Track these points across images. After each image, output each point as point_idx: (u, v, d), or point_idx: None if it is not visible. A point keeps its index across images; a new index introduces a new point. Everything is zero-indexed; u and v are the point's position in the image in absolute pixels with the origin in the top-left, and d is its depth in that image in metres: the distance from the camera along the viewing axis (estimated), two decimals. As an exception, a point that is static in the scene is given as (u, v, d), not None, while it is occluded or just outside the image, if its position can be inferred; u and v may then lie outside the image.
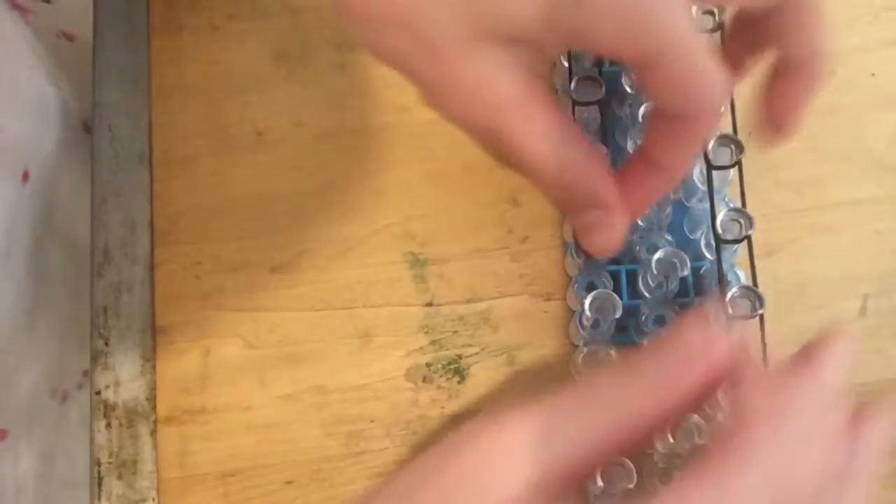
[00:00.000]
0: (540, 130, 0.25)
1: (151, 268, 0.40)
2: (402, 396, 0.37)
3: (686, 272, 0.34)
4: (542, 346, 0.38)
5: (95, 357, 0.39)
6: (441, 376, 0.38)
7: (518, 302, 0.38)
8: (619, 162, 0.38)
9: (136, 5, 0.44)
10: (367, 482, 0.37)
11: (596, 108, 0.35)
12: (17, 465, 0.43)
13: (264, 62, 0.43)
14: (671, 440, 0.29)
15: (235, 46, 0.43)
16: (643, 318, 0.35)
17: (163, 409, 0.38)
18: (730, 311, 0.33)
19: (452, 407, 0.37)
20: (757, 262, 0.37)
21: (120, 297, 0.40)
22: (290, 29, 0.43)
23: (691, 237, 0.37)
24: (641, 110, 0.35)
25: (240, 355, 0.39)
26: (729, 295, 0.33)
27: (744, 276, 0.35)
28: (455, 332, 0.38)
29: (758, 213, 0.38)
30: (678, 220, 0.37)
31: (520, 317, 0.38)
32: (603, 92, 0.35)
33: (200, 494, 0.37)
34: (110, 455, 0.38)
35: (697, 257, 0.35)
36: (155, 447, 0.38)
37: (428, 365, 0.38)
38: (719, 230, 0.33)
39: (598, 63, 0.36)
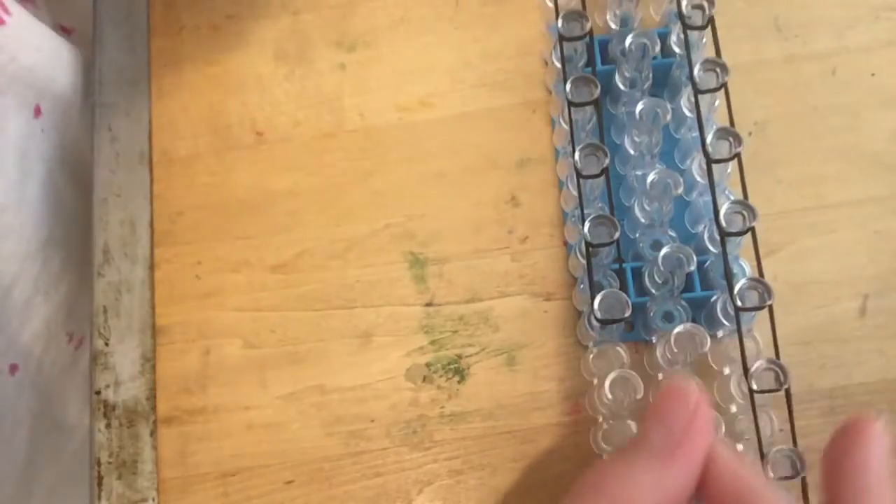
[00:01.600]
0: None
1: (151, 268, 0.40)
2: (402, 396, 0.38)
3: (692, 267, 0.34)
4: (542, 346, 0.38)
5: (95, 357, 0.39)
6: (441, 376, 0.38)
7: (518, 302, 0.38)
8: (617, 160, 0.38)
9: (136, 5, 0.44)
10: (367, 482, 0.37)
11: (591, 108, 0.35)
12: (19, 401, 0.44)
13: (264, 62, 0.43)
14: None
15: (235, 46, 0.43)
16: (651, 314, 0.35)
17: (163, 409, 0.38)
18: (738, 303, 0.33)
19: (452, 407, 0.37)
20: (761, 263, 0.37)
21: (120, 297, 0.40)
22: (290, 29, 0.43)
23: (693, 231, 0.37)
24: (639, 108, 0.35)
25: (240, 355, 0.39)
26: (737, 288, 0.33)
27: (749, 269, 0.35)
28: (455, 332, 0.38)
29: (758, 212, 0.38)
30: (679, 215, 0.37)
31: (520, 317, 0.38)
32: (598, 92, 0.35)
33: (200, 494, 0.37)
34: (110, 455, 0.38)
35: (701, 251, 0.35)
36: (155, 447, 0.38)
37: (428, 365, 0.38)
38: (723, 223, 0.33)
39: (590, 63, 0.36)
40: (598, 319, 0.33)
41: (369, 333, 0.38)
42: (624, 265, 0.35)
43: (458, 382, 0.38)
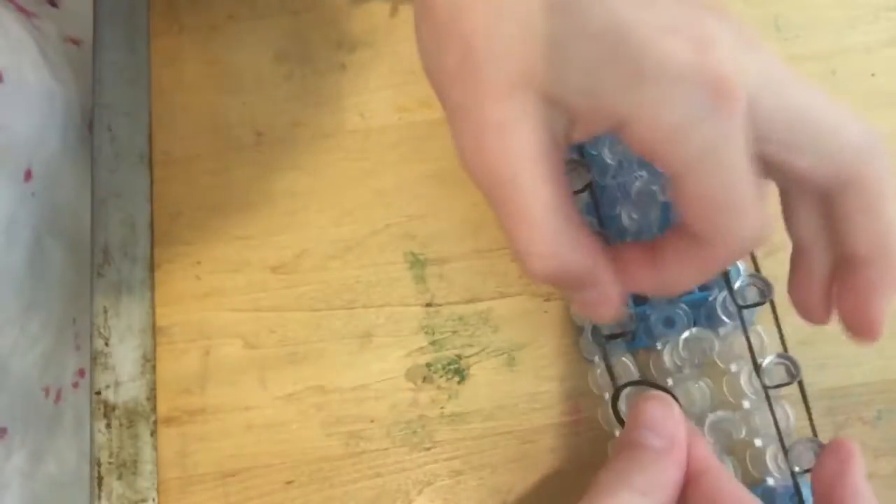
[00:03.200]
0: (545, 197, 0.24)
1: (151, 268, 0.40)
2: (402, 396, 0.37)
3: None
4: (542, 346, 0.38)
5: (95, 357, 0.39)
6: (441, 376, 0.38)
7: (518, 302, 0.38)
8: (596, 171, 0.37)
9: (136, 5, 0.44)
10: (367, 482, 0.37)
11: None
12: (6, 464, 0.43)
13: (264, 62, 0.43)
14: None
15: (235, 46, 0.43)
16: (651, 321, 0.35)
17: (163, 409, 0.38)
18: (740, 301, 0.33)
19: (452, 407, 0.37)
20: (757, 261, 0.37)
21: (120, 297, 0.40)
22: (290, 29, 0.43)
23: None
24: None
25: (240, 355, 0.39)
26: (737, 285, 0.32)
27: (744, 266, 0.35)
28: (455, 332, 0.38)
29: (758, 213, 0.38)
30: (665, 219, 0.37)
31: (520, 317, 0.38)
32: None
33: (200, 494, 0.37)
34: (110, 455, 0.38)
35: None
36: (155, 447, 0.38)
37: (428, 365, 0.38)
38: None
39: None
40: (605, 336, 0.33)
41: (369, 334, 0.38)
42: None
43: (458, 383, 0.38)
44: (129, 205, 0.41)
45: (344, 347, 0.38)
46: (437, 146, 0.41)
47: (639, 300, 0.35)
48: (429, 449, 0.37)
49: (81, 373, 0.48)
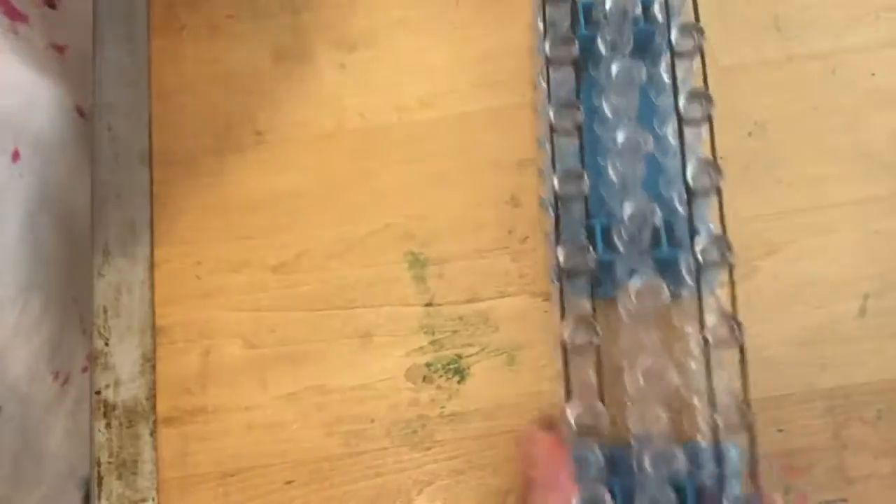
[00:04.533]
0: None
1: (151, 268, 0.40)
2: (402, 396, 0.38)
3: (657, 223, 0.34)
4: (542, 346, 0.38)
5: (95, 357, 0.39)
6: (441, 376, 0.38)
7: (518, 302, 0.38)
8: (594, 122, 0.38)
9: (136, 5, 0.44)
10: (367, 482, 0.37)
11: (570, 68, 0.35)
12: (1, 441, 0.44)
13: (264, 62, 0.43)
14: None
15: (235, 46, 0.43)
16: (617, 272, 0.35)
17: (163, 409, 0.38)
18: (700, 259, 0.33)
19: (452, 407, 0.37)
20: (757, 262, 0.37)
21: (120, 297, 0.40)
22: (290, 29, 0.43)
23: (665, 195, 0.37)
24: (614, 69, 0.35)
25: (240, 355, 0.39)
26: (699, 246, 0.33)
27: (714, 229, 0.35)
28: (455, 332, 0.38)
29: (758, 212, 0.38)
30: (653, 176, 0.37)
31: (520, 317, 0.38)
32: (577, 50, 0.35)
33: (200, 494, 0.37)
34: (110, 455, 0.38)
35: (672, 211, 0.35)
36: (155, 447, 0.38)
37: (428, 365, 0.38)
38: (689, 181, 0.33)
39: (574, 25, 0.36)
40: (560, 269, 0.33)
41: (369, 333, 0.38)
42: (593, 221, 0.35)
43: (458, 382, 0.38)
44: (129, 205, 0.41)
45: (344, 347, 0.38)
46: (437, 146, 0.41)
47: (607, 249, 0.35)
48: (429, 449, 0.37)
49: (90, 357, 0.48)
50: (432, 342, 0.38)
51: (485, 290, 0.38)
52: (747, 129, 0.39)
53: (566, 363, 0.32)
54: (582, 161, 0.35)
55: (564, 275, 0.33)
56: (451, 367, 0.38)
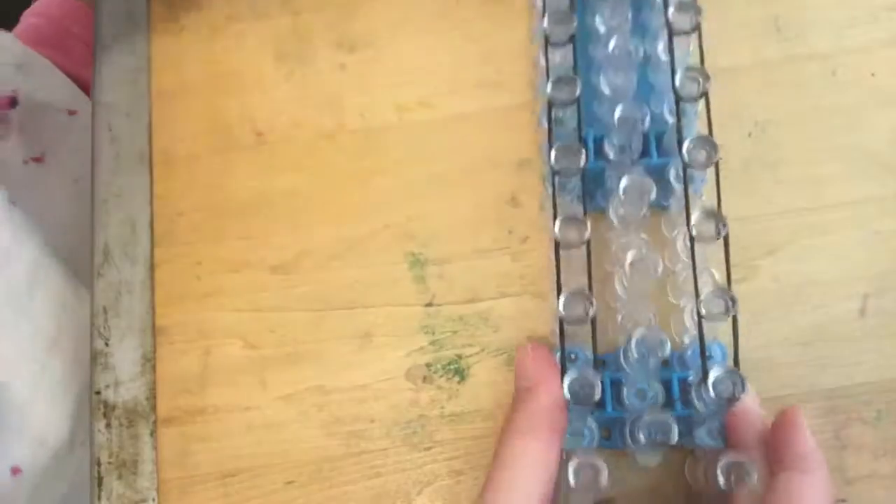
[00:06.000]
0: None
1: (151, 268, 0.40)
2: (402, 396, 0.38)
3: (646, 129, 0.35)
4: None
5: (95, 357, 0.39)
6: (441, 376, 0.38)
7: (518, 302, 0.38)
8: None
9: (136, 5, 0.44)
10: (368, 482, 0.37)
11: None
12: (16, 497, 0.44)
13: (264, 62, 0.43)
14: None
15: (235, 46, 0.43)
16: (609, 183, 0.36)
17: (163, 409, 0.38)
18: (686, 159, 0.34)
19: (452, 407, 0.37)
20: (757, 262, 0.37)
21: (120, 297, 0.40)
22: (290, 29, 0.43)
23: (656, 110, 0.37)
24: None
25: (240, 355, 0.39)
26: (685, 147, 0.33)
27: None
28: (455, 332, 0.38)
29: (758, 212, 0.38)
30: (645, 91, 0.37)
31: (520, 317, 0.38)
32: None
33: (200, 494, 0.37)
34: (110, 455, 0.38)
35: (663, 124, 0.36)
36: (155, 447, 0.38)
37: (428, 365, 0.38)
38: (677, 89, 0.34)
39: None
40: (554, 171, 0.34)
41: (369, 333, 0.38)
42: (586, 132, 0.35)
43: (458, 382, 0.38)
44: (129, 205, 0.41)
45: (344, 347, 0.38)
46: (437, 146, 0.41)
47: (599, 158, 0.36)
48: (429, 449, 0.37)
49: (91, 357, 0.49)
50: (432, 342, 0.38)
51: (485, 290, 0.38)
52: (747, 129, 0.39)
53: (557, 260, 0.33)
54: (574, 65, 0.35)
55: (556, 176, 0.34)
56: (452, 367, 0.38)
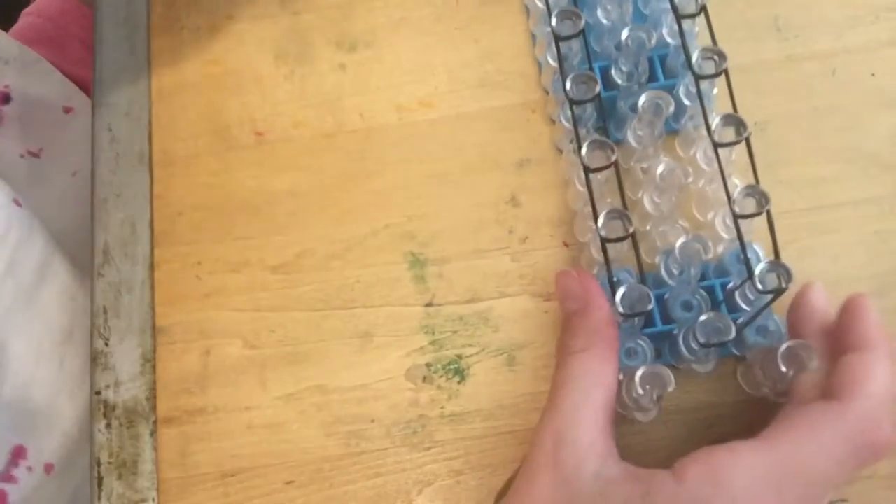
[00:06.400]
0: None
1: (151, 268, 0.40)
2: (402, 396, 0.38)
3: (651, 51, 0.36)
4: (542, 346, 0.38)
5: (95, 357, 0.39)
6: (441, 376, 0.38)
7: (518, 302, 0.38)
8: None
9: (136, 5, 0.44)
10: (368, 482, 0.37)
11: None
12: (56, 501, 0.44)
13: (264, 62, 0.43)
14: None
15: (235, 46, 0.43)
16: (620, 105, 0.37)
17: (163, 409, 0.38)
18: (698, 69, 0.34)
19: (452, 407, 0.37)
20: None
21: (120, 297, 0.40)
22: (290, 29, 0.43)
23: (656, 32, 0.37)
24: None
25: (240, 355, 0.39)
26: (696, 58, 0.34)
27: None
28: (455, 332, 0.38)
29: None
30: (640, 21, 0.38)
31: (520, 317, 0.38)
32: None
33: (200, 494, 0.37)
34: (110, 455, 0.38)
35: (664, 46, 0.37)
36: (155, 447, 0.38)
37: (428, 365, 0.38)
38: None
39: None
40: (571, 101, 0.34)
41: (369, 333, 0.38)
42: (593, 65, 0.36)
43: (458, 382, 0.38)
44: (129, 205, 0.41)
45: (344, 347, 0.38)
46: (437, 146, 0.41)
47: (608, 88, 0.36)
48: (429, 449, 0.37)
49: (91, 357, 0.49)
50: (432, 342, 0.38)
51: (485, 290, 0.39)
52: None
53: (589, 187, 0.33)
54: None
55: (574, 106, 0.34)
56: (451, 367, 0.38)
